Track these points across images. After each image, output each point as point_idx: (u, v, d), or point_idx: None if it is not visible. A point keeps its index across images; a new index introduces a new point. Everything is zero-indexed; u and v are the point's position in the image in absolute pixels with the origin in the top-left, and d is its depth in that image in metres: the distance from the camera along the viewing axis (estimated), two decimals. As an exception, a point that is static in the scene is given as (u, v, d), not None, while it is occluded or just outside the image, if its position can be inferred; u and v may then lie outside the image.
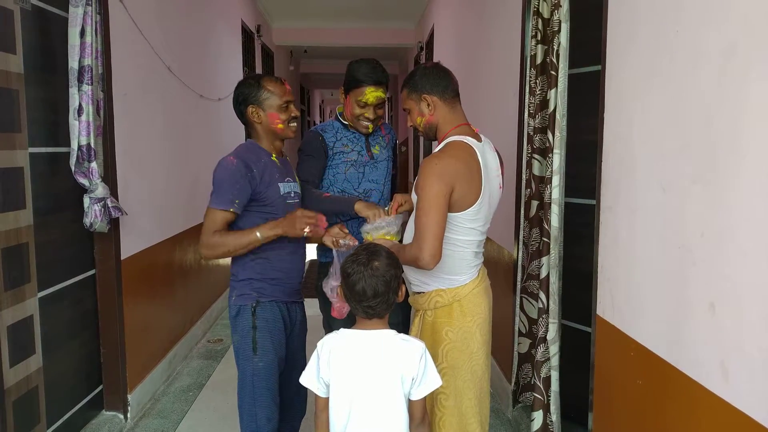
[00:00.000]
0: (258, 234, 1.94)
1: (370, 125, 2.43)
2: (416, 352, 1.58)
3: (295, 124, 2.11)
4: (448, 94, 1.91)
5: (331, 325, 2.38)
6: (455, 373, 1.88)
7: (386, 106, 2.46)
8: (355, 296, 1.60)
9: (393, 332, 1.62)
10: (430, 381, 1.60)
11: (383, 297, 1.58)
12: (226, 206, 1.94)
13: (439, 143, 1.91)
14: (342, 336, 1.64)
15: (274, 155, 2.09)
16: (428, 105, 1.91)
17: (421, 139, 7.58)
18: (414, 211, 1.86)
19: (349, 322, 2.43)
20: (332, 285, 2.00)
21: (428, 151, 6.92)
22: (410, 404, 1.61)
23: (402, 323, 2.39)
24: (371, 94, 2.35)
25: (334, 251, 2.08)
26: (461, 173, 1.78)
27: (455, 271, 1.89)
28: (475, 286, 1.91)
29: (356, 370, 1.58)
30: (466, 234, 1.86)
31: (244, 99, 2.06)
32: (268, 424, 2.01)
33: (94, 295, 2.85)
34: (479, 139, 1.91)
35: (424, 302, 1.93)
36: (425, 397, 1.62)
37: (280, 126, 2.06)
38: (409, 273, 1.95)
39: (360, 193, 2.44)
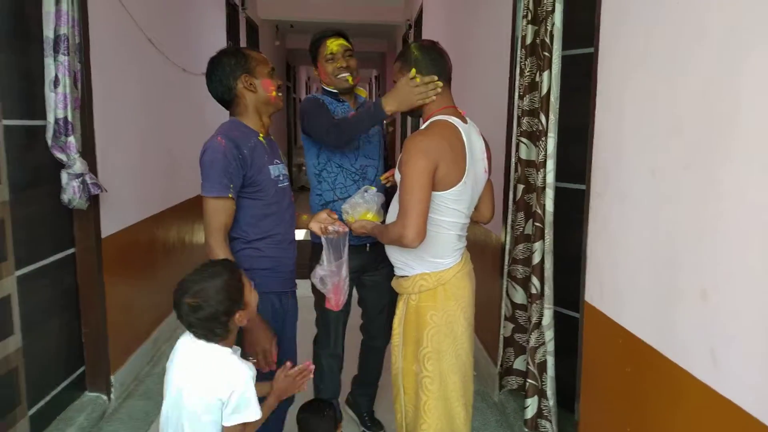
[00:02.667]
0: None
1: (349, 76, 2.40)
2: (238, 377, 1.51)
3: (281, 94, 2.00)
4: (440, 78, 1.88)
5: (322, 305, 2.34)
6: (440, 356, 1.87)
7: (356, 62, 2.47)
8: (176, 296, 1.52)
9: (222, 350, 1.54)
10: (245, 411, 1.52)
11: (188, 320, 1.50)
12: (222, 192, 1.78)
13: (424, 122, 1.89)
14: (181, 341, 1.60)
15: (261, 135, 1.96)
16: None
17: (408, 118, 7.51)
18: (398, 190, 1.84)
19: (344, 313, 2.43)
20: (320, 275, 1.96)
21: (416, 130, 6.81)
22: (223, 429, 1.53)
23: (389, 304, 2.36)
24: (333, 43, 2.39)
25: (323, 238, 2.01)
26: (445, 151, 1.76)
27: (440, 254, 1.87)
28: (459, 269, 1.90)
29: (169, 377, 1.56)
30: (450, 215, 1.84)
31: (232, 70, 1.88)
32: None
33: (75, 274, 2.79)
34: (465, 121, 1.88)
35: (408, 286, 1.91)
36: (240, 426, 1.53)
37: (275, 93, 1.94)
38: (394, 256, 1.94)
39: (357, 170, 2.39)
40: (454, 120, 1.83)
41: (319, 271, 1.97)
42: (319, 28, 2.57)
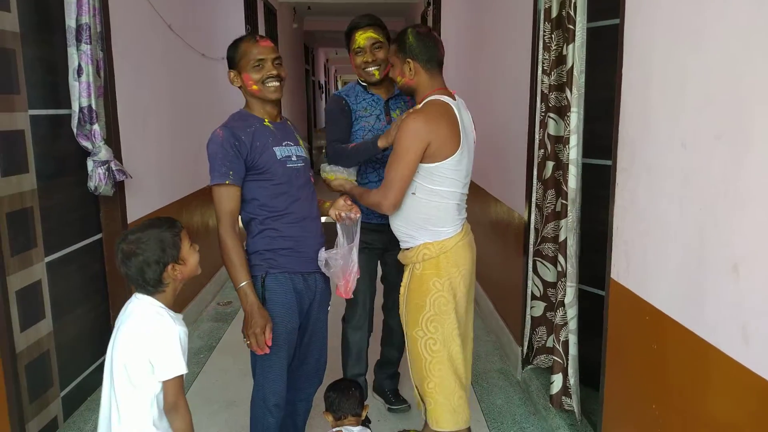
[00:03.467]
0: (242, 282, 1.89)
1: (375, 71, 2.39)
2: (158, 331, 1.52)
3: (276, 83, 1.95)
4: (432, 64, 2.02)
5: None
6: (442, 319, 2.01)
7: (389, 48, 2.34)
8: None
9: (154, 303, 1.56)
10: (164, 365, 1.51)
11: (124, 267, 1.54)
12: (221, 180, 1.87)
13: (419, 103, 2.04)
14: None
15: (267, 120, 1.99)
16: (410, 69, 2.02)
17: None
18: (389, 160, 2.01)
19: (371, 290, 2.44)
20: (324, 257, 2.01)
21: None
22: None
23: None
24: (360, 36, 2.37)
25: (337, 225, 2.05)
26: (438, 128, 1.93)
27: (441, 223, 2.01)
28: (460, 239, 2.04)
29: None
30: (449, 185, 1.99)
31: (228, 64, 2.00)
32: (274, 396, 2.00)
33: (102, 259, 2.84)
34: (454, 99, 2.04)
35: (412, 255, 2.04)
36: (172, 382, 1.53)
37: (254, 87, 1.94)
38: (399, 230, 2.09)
39: (378, 159, 2.38)
40: (446, 98, 1.99)
41: (323, 254, 2.02)
42: (337, 10, 2.53)
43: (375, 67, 2.39)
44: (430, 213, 2.00)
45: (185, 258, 1.61)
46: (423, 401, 2.09)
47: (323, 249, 2.04)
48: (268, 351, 1.90)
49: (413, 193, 2.00)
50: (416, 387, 2.11)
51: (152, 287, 1.56)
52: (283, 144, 1.99)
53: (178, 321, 1.59)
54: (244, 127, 1.93)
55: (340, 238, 2.02)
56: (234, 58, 1.97)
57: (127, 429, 1.53)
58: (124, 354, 1.53)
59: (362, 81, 2.47)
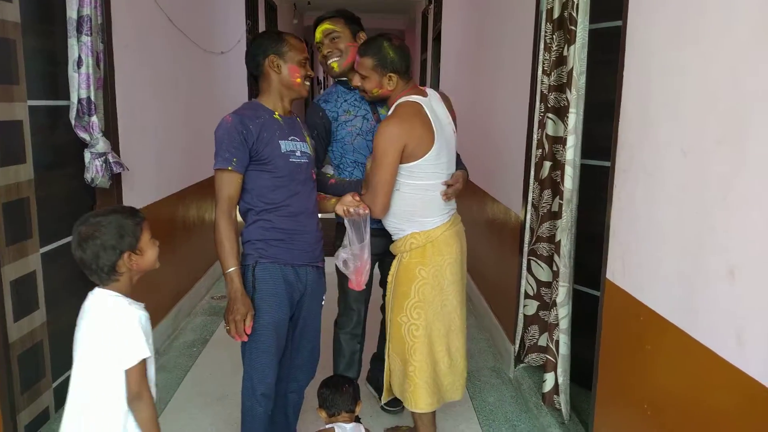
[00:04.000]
0: (230, 268, 1.91)
1: (334, 63, 2.31)
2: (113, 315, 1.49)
3: (309, 83, 2.06)
4: (408, 71, 2.14)
5: (344, 286, 2.37)
6: (426, 306, 2.12)
7: (350, 38, 2.33)
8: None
9: (109, 293, 1.53)
10: (126, 351, 1.48)
11: (80, 251, 1.50)
12: (224, 165, 1.90)
13: (390, 106, 2.13)
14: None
15: (277, 113, 2.01)
16: (389, 81, 2.11)
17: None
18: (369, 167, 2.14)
19: (365, 294, 2.45)
20: (343, 257, 2.08)
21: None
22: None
23: None
24: (317, 30, 2.33)
25: (345, 221, 2.08)
26: (411, 129, 2.02)
27: (427, 214, 2.12)
28: (447, 229, 2.14)
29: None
30: (431, 178, 2.09)
31: (264, 49, 1.99)
32: (261, 384, 2.01)
33: (98, 251, 2.83)
34: (425, 95, 2.13)
35: (401, 245, 2.16)
36: (134, 370, 1.50)
37: (299, 80, 2.00)
38: (390, 224, 2.19)
39: (366, 157, 2.34)
40: (415, 98, 2.08)
41: (342, 253, 2.09)
42: (336, 5, 2.50)
43: (334, 59, 2.32)
44: (416, 206, 2.11)
45: (143, 249, 1.57)
46: (401, 390, 2.22)
47: (340, 250, 2.10)
48: (246, 339, 1.94)
49: (397, 190, 2.09)
50: (390, 373, 2.24)
51: (105, 274, 1.52)
52: (289, 138, 2.01)
53: (136, 305, 1.55)
54: (254, 117, 1.95)
55: (350, 233, 2.06)
56: (278, 48, 1.98)
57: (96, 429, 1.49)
58: (88, 350, 1.50)
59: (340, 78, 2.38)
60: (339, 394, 1.99)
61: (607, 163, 2.00)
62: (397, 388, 2.26)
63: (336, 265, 2.19)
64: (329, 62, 2.33)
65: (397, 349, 2.19)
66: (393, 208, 2.12)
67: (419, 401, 2.16)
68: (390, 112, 2.10)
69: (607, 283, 1.98)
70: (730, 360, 1.36)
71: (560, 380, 2.39)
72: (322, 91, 16.43)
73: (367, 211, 2.08)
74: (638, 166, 1.80)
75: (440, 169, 2.11)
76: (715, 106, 1.43)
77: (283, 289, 2.00)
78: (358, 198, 2.10)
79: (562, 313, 2.35)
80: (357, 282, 2.12)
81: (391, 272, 2.21)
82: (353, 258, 2.07)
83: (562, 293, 2.34)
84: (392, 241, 2.23)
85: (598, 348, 2.07)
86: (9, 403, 2.08)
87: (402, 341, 2.16)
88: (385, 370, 2.29)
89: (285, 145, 1.98)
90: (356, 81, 2.17)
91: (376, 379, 2.83)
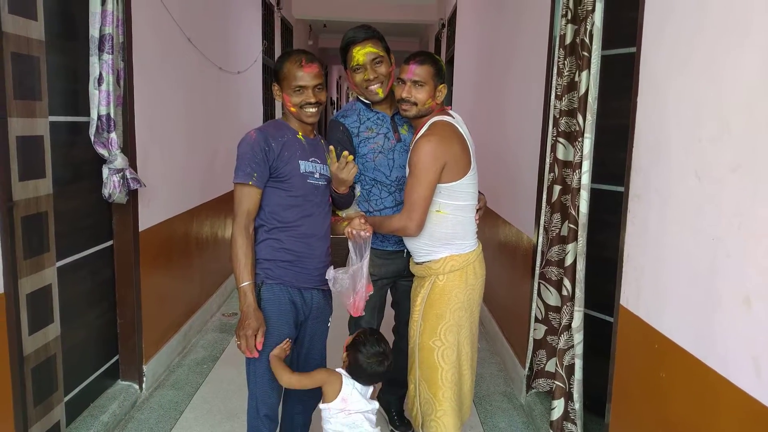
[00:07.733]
0: (244, 282, 1.91)
1: (378, 89, 2.22)
2: None
3: (314, 110, 1.99)
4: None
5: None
6: (460, 330, 2.09)
7: (389, 61, 2.25)
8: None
9: None
10: None
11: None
12: (244, 179, 1.92)
13: (422, 125, 2.08)
14: None
15: (300, 134, 2.04)
16: (440, 93, 2.09)
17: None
18: (406, 184, 2.06)
19: (377, 318, 2.43)
20: (332, 275, 2.00)
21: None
22: None
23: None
24: (359, 52, 2.19)
25: (349, 242, 2.04)
26: (451, 147, 2.00)
27: (465, 236, 2.10)
28: (479, 251, 2.16)
29: None
30: (469, 198, 2.09)
31: (274, 73, 2.07)
32: (265, 406, 2.01)
33: (112, 266, 2.86)
34: (452, 116, 2.12)
35: (438, 267, 2.08)
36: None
37: (292, 109, 2.01)
38: (417, 244, 2.11)
39: (392, 182, 2.29)
40: (447, 118, 2.07)
41: (331, 272, 2.02)
42: (352, 27, 2.44)
43: (377, 85, 2.22)
44: (456, 228, 2.08)
45: None
46: (423, 416, 2.12)
47: (332, 267, 2.05)
48: (257, 355, 1.92)
49: (437, 211, 2.06)
50: (419, 400, 2.14)
51: None
52: (310, 160, 2.03)
53: None
54: (277, 136, 1.98)
55: (352, 255, 2.02)
56: (278, 74, 2.02)
57: None
58: None
59: (363, 98, 2.31)
60: (379, 367, 1.95)
61: (615, 188, 1.99)
62: (423, 417, 2.16)
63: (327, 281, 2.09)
64: (372, 87, 2.23)
65: (427, 375, 2.10)
66: (430, 231, 2.06)
67: (450, 426, 2.09)
68: (426, 130, 2.04)
69: (622, 309, 1.97)
70: (746, 389, 1.34)
71: (576, 406, 2.35)
72: (335, 111, 16.58)
73: (369, 234, 2.02)
74: (652, 191, 1.80)
75: (474, 189, 2.11)
76: (729, 132, 1.43)
77: (289, 310, 2.00)
78: (364, 221, 2.05)
79: (578, 339, 2.33)
80: (354, 306, 2.04)
81: (420, 294, 2.11)
82: (349, 278, 1.99)
83: (578, 318, 2.31)
84: (405, 263, 2.19)
85: (611, 375, 2.05)
86: (22, 416, 2.09)
87: (434, 367, 2.07)
88: (410, 398, 2.20)
89: (304, 166, 2.00)
90: (405, 92, 2.04)
91: (387, 405, 2.80)
